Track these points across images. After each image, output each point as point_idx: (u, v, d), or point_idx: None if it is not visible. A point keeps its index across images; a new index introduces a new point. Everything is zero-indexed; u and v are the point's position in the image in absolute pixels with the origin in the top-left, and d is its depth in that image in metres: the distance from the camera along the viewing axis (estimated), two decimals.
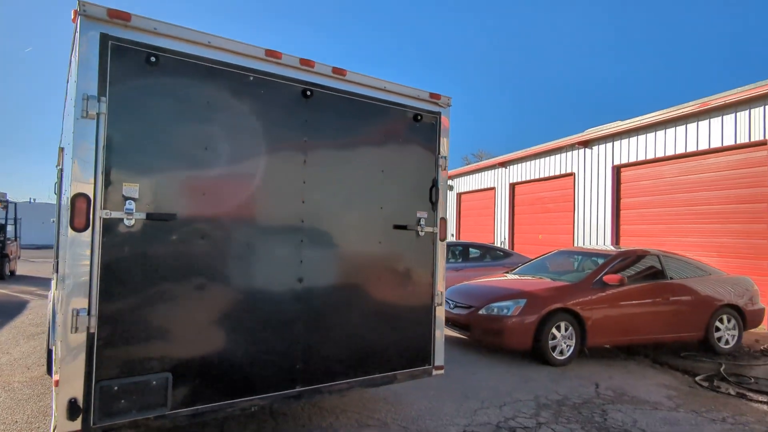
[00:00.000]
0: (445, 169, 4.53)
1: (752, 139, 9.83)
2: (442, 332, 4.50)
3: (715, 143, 10.48)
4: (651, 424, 4.64)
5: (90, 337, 2.89)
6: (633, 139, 12.41)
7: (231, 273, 3.47)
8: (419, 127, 4.41)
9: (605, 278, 7.15)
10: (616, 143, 12.88)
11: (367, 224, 4.11)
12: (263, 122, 3.61)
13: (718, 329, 7.76)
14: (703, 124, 10.68)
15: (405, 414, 4.56)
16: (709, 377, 6.34)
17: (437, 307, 4.46)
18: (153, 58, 3.12)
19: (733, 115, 10.19)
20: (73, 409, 2.84)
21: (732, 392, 5.74)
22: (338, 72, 3.91)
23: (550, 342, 6.66)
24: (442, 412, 4.67)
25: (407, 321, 4.31)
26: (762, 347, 8.23)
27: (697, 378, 6.32)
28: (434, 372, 4.46)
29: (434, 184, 4.47)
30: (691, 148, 10.88)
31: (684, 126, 11.11)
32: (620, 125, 12.74)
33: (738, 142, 10.08)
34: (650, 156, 11.94)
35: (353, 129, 4.07)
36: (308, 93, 3.76)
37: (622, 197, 12.80)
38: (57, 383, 2.89)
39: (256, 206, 3.58)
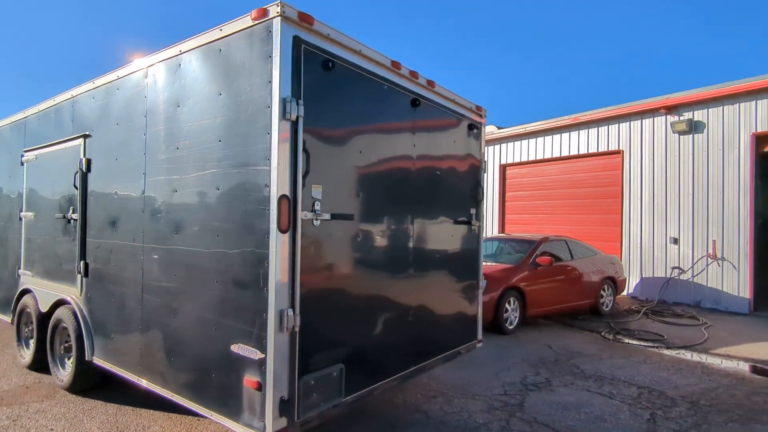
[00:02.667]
0: (485, 172, 5.10)
1: (610, 149, 12.22)
2: (481, 310, 5.10)
3: (584, 150, 12.74)
4: (607, 369, 5.90)
5: (293, 336, 2.85)
6: (517, 143, 14.32)
7: (383, 268, 3.66)
8: (472, 136, 4.90)
9: (538, 260, 8.48)
10: (503, 146, 14.70)
11: (446, 220, 4.49)
12: (392, 130, 3.77)
13: (602, 296, 9.70)
14: (575, 134, 12.89)
15: (454, 384, 5.08)
16: (610, 333, 8.02)
17: (479, 290, 5.05)
18: (330, 64, 3.10)
19: (596, 129, 12.51)
20: (283, 407, 2.79)
21: (632, 342, 7.42)
22: (430, 84, 4.20)
23: (503, 315, 7.73)
24: (477, 379, 5.29)
25: (466, 302, 4.82)
26: (625, 308, 10.47)
27: (602, 334, 7.96)
28: (477, 345, 5.05)
29: (479, 184, 5.01)
30: (565, 153, 13.04)
31: (559, 135, 13.23)
32: (506, 132, 14.57)
33: (600, 150, 12.42)
34: (531, 158, 13.94)
35: (439, 137, 4.40)
36: (417, 102, 3.99)
37: (507, 191, 14.70)
38: (258, 385, 2.80)
39: (389, 206, 3.74)
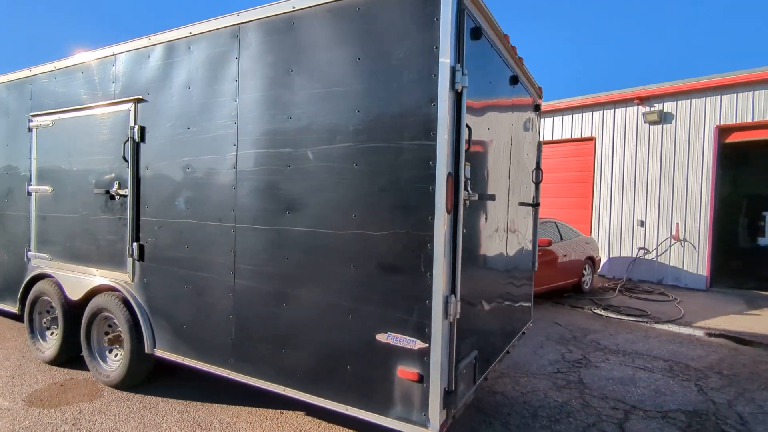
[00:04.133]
0: (541, 152, 5.04)
1: (584, 135, 12.68)
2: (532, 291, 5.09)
3: (558, 136, 13.12)
4: (624, 344, 6.17)
5: (452, 323, 2.62)
6: None
7: (498, 250, 3.55)
8: (536, 116, 4.80)
9: (539, 240, 8.66)
10: None
11: (523, 202, 4.38)
12: (503, 108, 3.57)
13: (584, 275, 10.13)
14: (549, 120, 13.23)
15: (509, 363, 5.06)
16: (599, 309, 8.42)
17: (533, 272, 5.03)
18: (479, 33, 2.83)
19: (571, 116, 12.90)
20: (446, 399, 2.58)
21: (623, 318, 7.83)
22: (521, 60, 4.01)
23: None
24: (522, 357, 5.31)
25: (527, 283, 4.78)
26: (599, 286, 11.03)
27: (593, 310, 8.34)
28: (530, 325, 5.04)
29: (537, 166, 4.94)
30: (547, 138, 13.36)
31: (542, 120, 13.51)
32: None
33: (574, 136, 12.86)
34: None
35: (522, 117, 4.25)
36: (516, 80, 3.81)
37: None
38: (418, 376, 2.56)
39: (501, 187, 3.55)
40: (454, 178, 2.56)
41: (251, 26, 3.21)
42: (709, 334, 7.00)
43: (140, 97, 3.81)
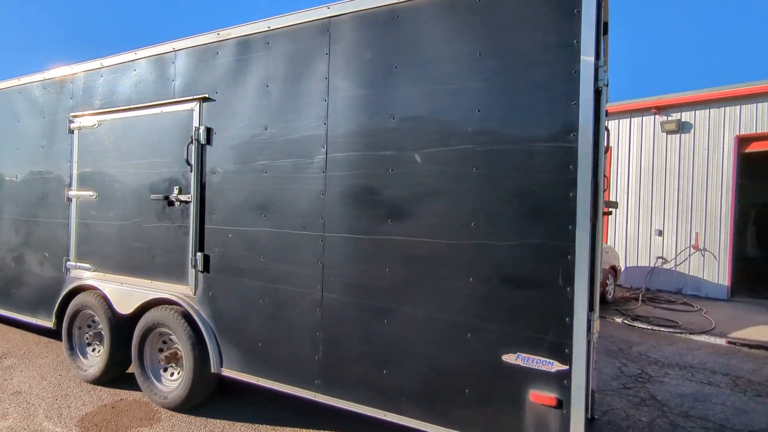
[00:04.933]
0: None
1: None
2: None
3: None
4: (673, 357, 5.99)
5: (592, 343, 2.39)
6: None
7: None
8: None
9: None
10: None
11: None
12: None
13: (607, 285, 9.98)
14: None
15: None
16: (630, 319, 8.26)
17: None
18: (607, 27, 2.63)
19: None
20: (587, 426, 2.33)
21: (656, 329, 7.66)
22: None
23: None
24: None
25: None
26: (621, 296, 10.90)
27: (624, 321, 8.18)
28: None
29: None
30: None
31: None
32: None
33: None
34: None
35: None
36: None
37: None
38: (556, 402, 2.32)
39: None
40: (594, 183, 2.34)
41: (344, 20, 2.97)
42: (749, 346, 6.87)
43: (206, 95, 3.54)
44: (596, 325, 2.33)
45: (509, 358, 2.43)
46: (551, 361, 2.34)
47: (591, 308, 2.34)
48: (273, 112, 3.24)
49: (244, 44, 3.38)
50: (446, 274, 2.62)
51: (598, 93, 2.35)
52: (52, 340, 5.37)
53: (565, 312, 2.31)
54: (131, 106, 3.96)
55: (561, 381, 2.32)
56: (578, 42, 2.31)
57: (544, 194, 2.37)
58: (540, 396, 2.35)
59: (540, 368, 2.36)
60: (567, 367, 2.31)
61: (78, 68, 4.40)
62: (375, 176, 2.83)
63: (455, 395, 2.58)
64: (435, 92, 2.66)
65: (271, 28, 3.25)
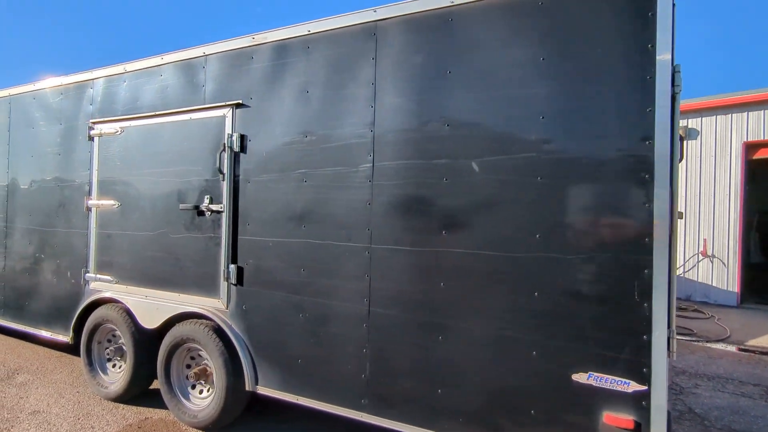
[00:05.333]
0: None
1: None
2: None
3: None
4: (699, 367, 5.91)
5: (670, 362, 2.26)
6: None
7: None
8: None
9: None
10: None
11: None
12: None
13: None
14: None
15: None
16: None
17: None
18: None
19: None
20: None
21: (693, 341, 7.59)
22: None
23: None
24: None
25: None
26: None
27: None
28: None
29: None
30: None
31: None
32: None
33: None
34: None
35: None
36: None
37: None
38: (634, 425, 2.19)
39: None
40: (671, 193, 2.22)
41: (392, 23, 2.85)
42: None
43: (239, 102, 3.40)
44: (675, 342, 2.21)
45: (580, 377, 2.30)
46: (627, 381, 2.21)
47: (669, 325, 2.22)
48: (313, 119, 3.11)
49: (282, 49, 3.25)
50: (507, 288, 2.49)
51: (672, 99, 2.24)
52: (64, 354, 5.17)
53: (642, 329, 2.19)
54: (157, 113, 3.81)
55: (639, 402, 2.19)
56: (653, 46, 2.20)
57: (617, 205, 2.26)
58: (615, 418, 2.22)
59: (615, 389, 2.23)
60: (645, 387, 2.18)
61: (98, 73, 4.25)
62: (428, 185, 2.71)
63: (519, 416, 2.44)
64: (493, 98, 2.55)
65: (311, 32, 3.13)
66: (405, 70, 2.80)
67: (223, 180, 3.43)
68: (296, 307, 3.13)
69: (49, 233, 4.54)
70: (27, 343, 5.50)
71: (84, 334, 4.16)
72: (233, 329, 3.37)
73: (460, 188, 2.61)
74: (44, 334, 4.52)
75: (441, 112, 2.68)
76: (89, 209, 4.22)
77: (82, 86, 4.37)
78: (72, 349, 5.10)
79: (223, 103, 3.47)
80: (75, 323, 4.24)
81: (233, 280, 3.38)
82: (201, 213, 3.54)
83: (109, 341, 4.17)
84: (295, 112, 3.18)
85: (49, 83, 4.62)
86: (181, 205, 3.60)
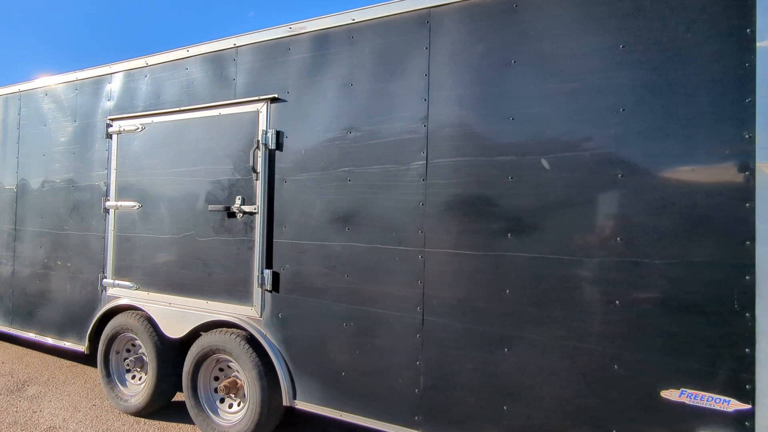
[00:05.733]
0: None
1: None
2: None
3: None
4: None
5: None
6: None
7: None
8: None
9: None
10: None
11: None
12: None
13: None
14: None
15: None
16: None
17: None
18: None
19: None
20: None
21: None
22: None
23: None
24: None
25: None
26: None
27: None
28: None
29: None
30: None
31: None
32: None
33: None
34: None
35: None
36: None
37: None
38: None
39: None
40: None
41: (448, 11, 2.65)
42: None
43: (275, 96, 3.18)
44: None
45: (670, 394, 2.09)
46: (727, 399, 2.00)
47: None
48: (358, 114, 2.89)
49: (323, 39, 3.04)
50: (584, 296, 2.27)
51: None
52: (74, 363, 4.91)
53: (743, 341, 1.98)
54: (182, 108, 3.58)
55: (741, 422, 1.98)
56: (752, 31, 2.00)
57: (711, 204, 2.05)
58: None
59: (713, 407, 2.02)
60: (749, 406, 1.97)
61: (117, 67, 4.01)
62: (490, 184, 2.49)
63: None
64: (565, 90, 2.34)
65: (356, 20, 2.91)
66: (463, 60, 2.59)
67: (257, 179, 3.21)
68: (339, 315, 2.91)
69: (62, 236, 4.28)
70: (34, 351, 5.23)
71: (101, 343, 3.91)
72: (268, 339, 3.13)
73: (527, 187, 2.40)
74: (57, 343, 4.26)
75: (504, 105, 2.47)
76: (107, 211, 3.97)
77: (98, 81, 4.13)
78: (81, 357, 4.84)
79: (256, 98, 3.24)
80: (91, 332, 3.99)
81: (268, 287, 3.15)
82: (232, 214, 3.31)
83: (128, 351, 3.92)
84: (337, 106, 2.96)
85: (63, 78, 4.37)
86: (210, 206, 3.36)
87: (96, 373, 4.58)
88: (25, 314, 4.53)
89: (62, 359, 5.01)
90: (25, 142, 4.64)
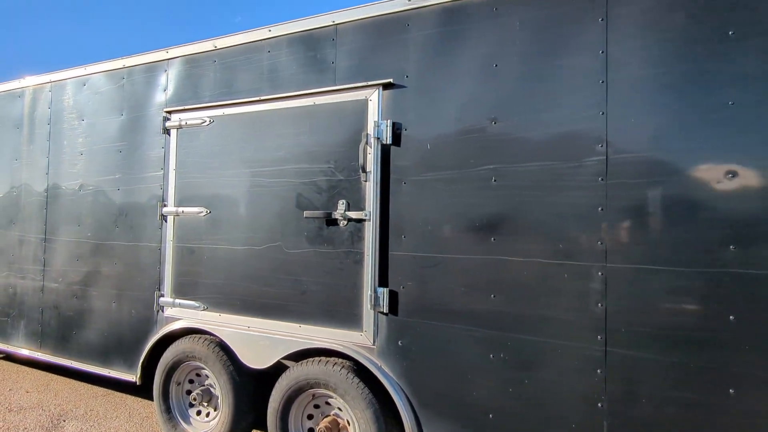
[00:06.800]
0: None
1: None
2: None
3: None
4: None
5: None
6: None
7: None
8: None
9: None
10: None
11: None
12: None
13: None
14: None
15: None
16: None
17: None
18: None
19: None
20: None
21: None
22: None
23: None
24: None
25: None
26: None
27: None
28: None
29: None
30: None
31: None
32: None
33: None
34: None
35: None
36: None
37: None
38: None
39: None
40: None
41: None
42: None
43: (389, 81, 2.65)
44: None
45: None
46: None
47: None
48: (506, 100, 2.37)
49: (455, 12, 2.52)
50: None
51: None
52: (109, 391, 4.27)
53: None
54: (262, 98, 3.02)
55: None
56: None
57: None
58: None
59: None
60: None
61: (176, 52, 3.43)
62: (703, 186, 1.99)
63: None
64: None
65: None
66: (657, 31, 2.09)
67: (366, 180, 2.66)
68: (485, 344, 2.37)
69: (105, 248, 3.67)
70: (60, 377, 4.57)
71: (160, 373, 3.30)
72: (384, 371, 2.58)
73: (757, 188, 1.91)
74: (99, 371, 3.63)
75: (722, 87, 1.98)
76: (164, 218, 3.38)
77: (152, 68, 3.55)
78: (115, 385, 4.19)
79: (364, 84, 2.71)
80: (144, 359, 3.38)
81: (383, 308, 2.59)
82: (332, 222, 2.76)
83: (191, 382, 3.32)
84: (476, 91, 2.44)
85: (106, 66, 3.77)
86: (307, 213, 2.80)
87: (140, 406, 3.95)
88: (58, 338, 3.89)
89: (94, 386, 4.36)
90: (57, 140, 4.02)
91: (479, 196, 2.41)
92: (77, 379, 4.50)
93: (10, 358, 5.03)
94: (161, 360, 3.30)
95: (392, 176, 2.63)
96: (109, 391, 4.27)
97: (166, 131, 3.40)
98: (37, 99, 4.18)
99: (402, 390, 2.54)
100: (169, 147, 3.39)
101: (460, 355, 2.42)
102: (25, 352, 4.10)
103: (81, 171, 3.85)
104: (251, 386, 3.04)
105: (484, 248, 2.38)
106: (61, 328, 3.86)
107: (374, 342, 2.62)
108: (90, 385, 4.38)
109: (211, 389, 3.19)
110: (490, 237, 2.38)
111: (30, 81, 4.23)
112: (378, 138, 2.64)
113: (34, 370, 4.78)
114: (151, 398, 3.86)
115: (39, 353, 4.00)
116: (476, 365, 2.38)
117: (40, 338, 4.00)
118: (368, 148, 2.65)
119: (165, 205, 3.38)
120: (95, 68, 3.83)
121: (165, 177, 3.40)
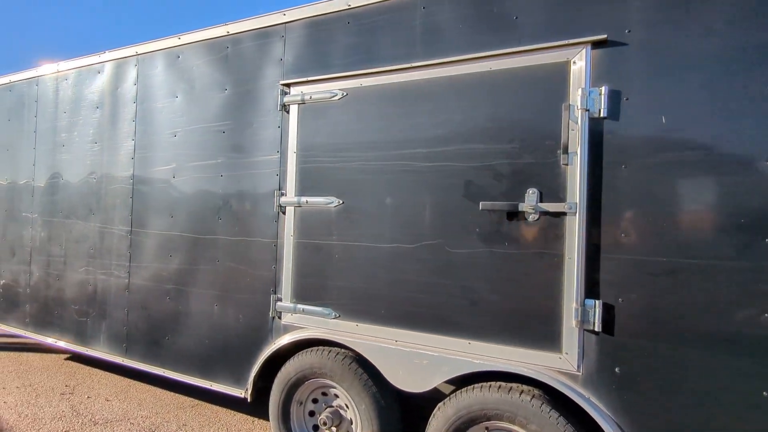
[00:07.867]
0: None
1: None
2: None
3: None
4: None
5: None
6: None
7: None
8: None
9: None
10: None
11: None
12: None
13: None
14: None
15: None
16: None
17: None
18: None
19: None
20: None
21: None
22: None
23: None
24: None
25: None
26: None
27: None
28: None
29: None
30: None
31: None
32: None
33: None
34: None
35: None
36: None
37: None
38: None
39: None
40: None
41: None
42: None
43: (603, 38, 2.06)
44: None
45: None
46: None
47: None
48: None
49: None
50: None
51: None
52: (196, 401, 3.80)
53: None
54: (415, 65, 2.47)
55: None
56: None
57: None
58: None
59: None
60: None
61: (295, 14, 2.90)
62: None
63: None
64: None
65: None
66: None
67: (568, 163, 2.09)
68: (755, 379, 1.78)
69: (206, 243, 3.17)
70: (138, 382, 4.13)
71: (279, 389, 2.79)
72: (595, 405, 2.01)
73: None
74: (200, 383, 3.15)
75: None
76: (281, 209, 2.86)
77: (264, 34, 3.02)
78: (199, 393, 3.69)
79: (565, 42, 2.13)
80: (257, 372, 2.87)
81: (595, 326, 2.02)
82: (516, 216, 2.19)
83: (315, 401, 2.80)
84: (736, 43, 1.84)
85: (205, 34, 3.26)
86: (482, 204, 2.24)
87: (236, 420, 3.47)
88: (148, 342, 3.41)
89: (178, 395, 3.90)
90: (145, 120, 3.53)
91: (745, 184, 1.82)
92: (157, 385, 4.05)
93: (77, 357, 4.61)
94: (280, 375, 2.79)
95: (606, 158, 2.05)
96: (196, 401, 3.80)
97: (284, 107, 2.87)
98: (120, 74, 3.70)
99: (617, 425, 1.97)
100: (287, 126, 2.87)
101: (721, 393, 1.84)
102: (108, 357, 3.65)
103: (174, 155, 3.35)
104: (398, 411, 2.52)
105: (754, 253, 1.79)
106: (152, 332, 3.39)
107: (579, 367, 2.06)
108: (174, 394, 3.92)
109: (341, 411, 2.68)
110: (762, 237, 1.79)
111: (112, 54, 3.74)
112: (587, 110, 2.06)
113: (107, 372, 4.35)
114: (245, 411, 3.41)
115: (125, 360, 3.53)
116: (742, 405, 1.80)
117: (125, 342, 3.54)
118: (572, 123, 2.08)
119: (283, 194, 2.86)
120: (191, 37, 3.32)
121: (282, 161, 2.87)
